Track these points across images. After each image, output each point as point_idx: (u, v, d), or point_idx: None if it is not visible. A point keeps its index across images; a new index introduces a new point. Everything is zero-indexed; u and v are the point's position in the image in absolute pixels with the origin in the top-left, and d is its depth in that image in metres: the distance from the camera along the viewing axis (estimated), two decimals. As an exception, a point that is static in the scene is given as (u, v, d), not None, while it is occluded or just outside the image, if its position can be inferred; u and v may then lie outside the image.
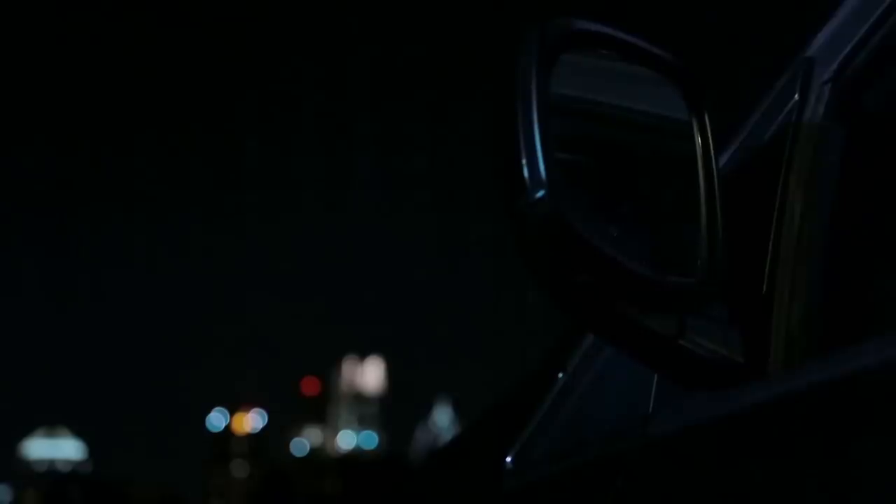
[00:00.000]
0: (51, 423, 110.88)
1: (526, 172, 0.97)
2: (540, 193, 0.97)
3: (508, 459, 1.37)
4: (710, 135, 1.08)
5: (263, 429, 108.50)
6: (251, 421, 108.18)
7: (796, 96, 1.11)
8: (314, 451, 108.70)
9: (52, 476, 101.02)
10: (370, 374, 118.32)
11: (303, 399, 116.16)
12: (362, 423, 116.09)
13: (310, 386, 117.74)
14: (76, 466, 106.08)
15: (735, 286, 1.06)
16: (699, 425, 1.04)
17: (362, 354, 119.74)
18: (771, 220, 1.07)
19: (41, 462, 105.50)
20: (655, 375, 1.13)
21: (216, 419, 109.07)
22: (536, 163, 0.97)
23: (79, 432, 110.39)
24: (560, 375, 1.35)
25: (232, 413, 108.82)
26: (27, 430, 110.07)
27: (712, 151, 1.07)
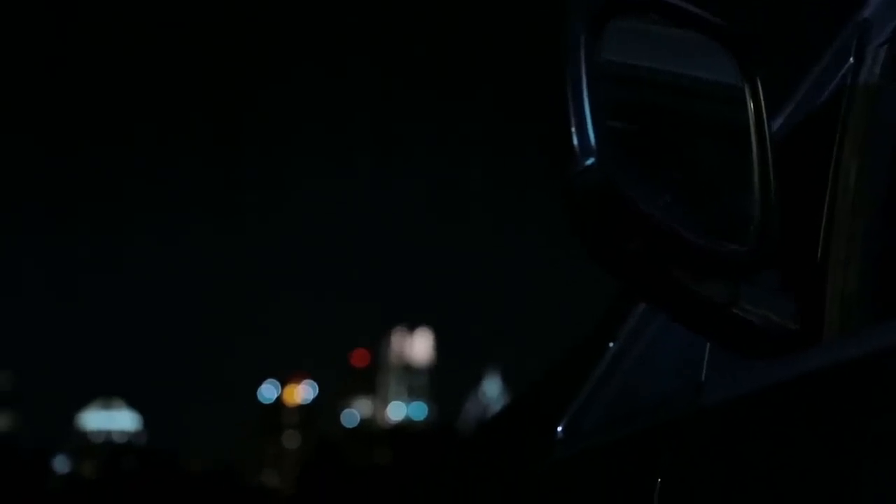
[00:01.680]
0: (107, 395, 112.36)
1: (576, 140, 0.97)
2: (590, 161, 0.96)
3: (559, 429, 1.36)
4: (762, 99, 1.06)
5: (314, 400, 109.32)
6: (302, 392, 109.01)
7: (851, 59, 1.09)
8: (364, 422, 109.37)
9: (108, 447, 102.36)
10: (419, 346, 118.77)
11: (353, 371, 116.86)
12: (412, 394, 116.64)
13: (360, 358, 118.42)
14: (131, 437, 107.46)
15: (789, 252, 1.04)
16: (753, 394, 1.03)
17: (411, 326, 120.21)
18: (825, 186, 1.06)
19: (98, 433, 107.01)
20: (708, 343, 1.12)
21: (267, 391, 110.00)
22: (586, 130, 0.97)
23: (134, 404, 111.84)
24: (611, 344, 1.34)
25: (283, 385, 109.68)
26: (84, 403, 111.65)
27: (765, 116, 1.06)
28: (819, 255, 1.04)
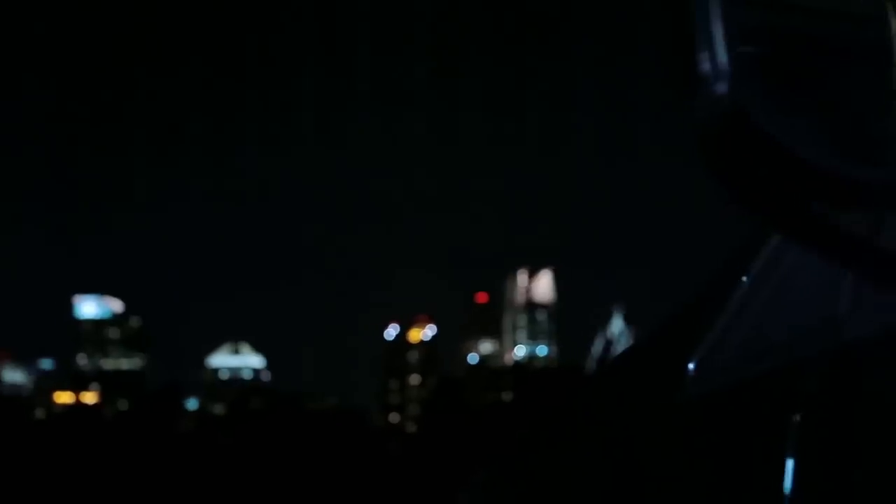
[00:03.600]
0: (234, 340, 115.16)
1: (707, 66, 0.93)
2: (722, 88, 0.92)
3: (691, 366, 1.33)
4: None
5: (435, 338, 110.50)
6: (425, 334, 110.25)
7: None
8: (486, 360, 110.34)
9: (236, 384, 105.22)
10: (541, 287, 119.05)
11: (475, 311, 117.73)
12: (533, 335, 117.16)
13: (482, 298, 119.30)
14: (258, 376, 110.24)
15: None
16: (897, 328, 0.99)
17: (533, 268, 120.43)
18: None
19: (225, 371, 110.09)
20: (848, 276, 1.08)
21: (390, 334, 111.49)
22: (718, 56, 0.93)
23: (260, 348, 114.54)
24: (744, 279, 1.30)
25: (406, 327, 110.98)
26: (213, 347, 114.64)
27: None
28: (969, 180, 0.99)
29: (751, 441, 1.18)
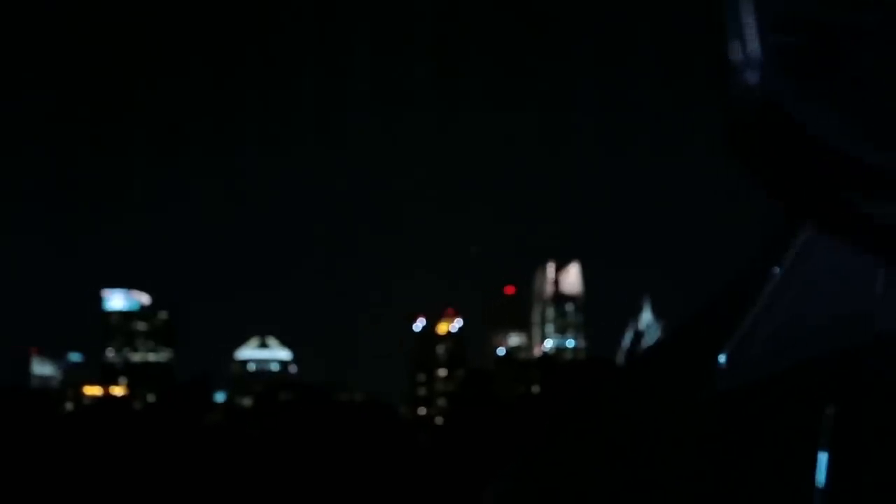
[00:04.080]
0: (262, 333, 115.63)
1: (738, 56, 0.92)
2: (753, 78, 0.91)
3: (722, 359, 1.32)
4: None
5: (462, 331, 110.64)
6: (452, 327, 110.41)
7: None
8: (515, 352, 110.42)
9: (262, 377, 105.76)
10: (570, 279, 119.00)
11: (503, 304, 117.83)
12: (562, 327, 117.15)
13: (510, 291, 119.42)
14: (285, 369, 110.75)
15: None
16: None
17: (562, 260, 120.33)
18: None
19: (252, 363, 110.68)
20: (881, 267, 1.06)
21: (418, 327, 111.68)
22: (749, 45, 0.92)
23: (287, 342, 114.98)
24: (776, 270, 1.29)
25: (433, 320, 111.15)
26: (240, 341, 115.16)
27: None
28: None
29: (783, 434, 1.16)
